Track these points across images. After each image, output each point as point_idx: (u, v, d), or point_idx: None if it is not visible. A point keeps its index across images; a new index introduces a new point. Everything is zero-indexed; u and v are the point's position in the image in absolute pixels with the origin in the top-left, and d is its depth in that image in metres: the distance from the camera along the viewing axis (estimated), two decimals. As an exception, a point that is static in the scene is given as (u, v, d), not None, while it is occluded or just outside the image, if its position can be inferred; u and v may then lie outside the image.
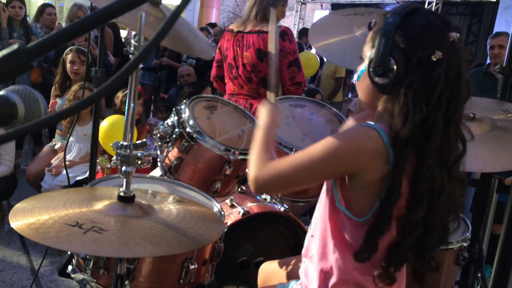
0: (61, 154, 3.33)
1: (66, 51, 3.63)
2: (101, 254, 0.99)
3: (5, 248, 2.95)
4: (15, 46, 0.42)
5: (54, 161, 3.33)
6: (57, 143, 3.51)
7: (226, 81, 2.77)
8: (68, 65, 3.55)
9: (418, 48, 1.00)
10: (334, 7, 12.27)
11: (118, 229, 0.88)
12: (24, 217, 0.88)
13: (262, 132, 1.23)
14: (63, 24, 7.45)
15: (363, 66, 1.10)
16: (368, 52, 1.08)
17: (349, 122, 1.36)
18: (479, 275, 2.32)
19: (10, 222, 0.87)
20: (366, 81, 1.09)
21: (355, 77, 1.16)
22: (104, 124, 2.99)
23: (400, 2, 12.12)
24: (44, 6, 4.86)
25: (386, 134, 1.02)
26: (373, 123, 1.06)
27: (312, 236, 1.24)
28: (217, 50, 2.79)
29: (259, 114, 1.31)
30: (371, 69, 1.05)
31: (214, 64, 2.85)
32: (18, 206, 0.94)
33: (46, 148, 3.56)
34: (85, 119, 3.27)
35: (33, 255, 2.90)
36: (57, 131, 3.63)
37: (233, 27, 2.74)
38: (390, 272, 1.07)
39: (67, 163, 3.12)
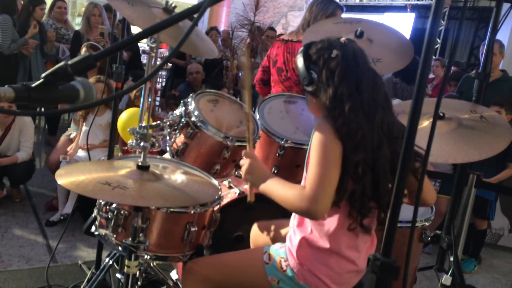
0: (74, 143, 3.60)
1: (82, 46, 3.90)
2: (126, 202, 1.27)
3: (23, 228, 3.24)
4: (87, 53, 0.70)
5: (70, 150, 3.60)
6: (73, 133, 3.75)
7: (273, 84, 3.01)
8: None
9: (321, 55, 1.43)
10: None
11: (137, 188, 1.16)
12: (67, 178, 1.16)
13: (269, 185, 1.43)
14: (78, 20, 7.72)
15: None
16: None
17: None
18: (452, 259, 2.56)
19: (58, 181, 1.15)
20: (309, 100, 1.51)
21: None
22: (123, 116, 3.26)
23: (407, 5, 12.30)
24: (55, 1, 5.13)
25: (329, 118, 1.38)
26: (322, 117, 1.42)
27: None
28: (266, 58, 3.06)
29: (247, 176, 1.47)
30: (303, 84, 1.45)
31: (260, 69, 3.11)
32: (59, 171, 1.22)
33: (62, 137, 3.80)
34: (100, 110, 3.46)
35: (48, 234, 3.18)
36: (73, 121, 3.89)
37: (285, 37, 3.02)
38: (358, 220, 1.39)
39: (84, 146, 3.39)
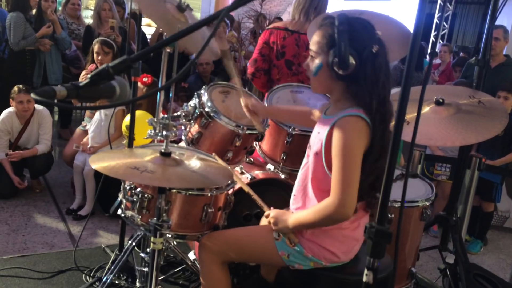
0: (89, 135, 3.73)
1: (94, 42, 3.98)
2: (154, 184, 1.41)
3: (45, 216, 3.41)
4: (124, 57, 0.83)
5: (85, 139, 3.71)
6: (87, 125, 3.86)
7: (278, 77, 2.78)
8: (94, 55, 3.86)
9: (364, 46, 1.42)
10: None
11: (162, 172, 1.30)
12: (100, 163, 1.31)
13: (295, 219, 1.54)
14: (85, 13, 7.80)
15: (317, 63, 1.50)
16: (320, 53, 1.48)
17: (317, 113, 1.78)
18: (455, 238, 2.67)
19: (92, 166, 1.30)
20: (325, 74, 1.49)
21: (311, 73, 1.53)
22: (127, 119, 3.37)
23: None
24: None
25: (364, 115, 1.44)
26: (354, 112, 1.45)
27: (295, 195, 1.69)
28: (263, 45, 2.76)
29: (276, 228, 1.58)
30: (335, 65, 1.43)
31: (259, 58, 2.77)
32: (92, 157, 1.38)
33: (77, 130, 3.94)
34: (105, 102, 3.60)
35: (68, 221, 3.35)
36: (87, 113, 4.01)
37: (287, 26, 2.76)
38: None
39: (91, 148, 3.52)
